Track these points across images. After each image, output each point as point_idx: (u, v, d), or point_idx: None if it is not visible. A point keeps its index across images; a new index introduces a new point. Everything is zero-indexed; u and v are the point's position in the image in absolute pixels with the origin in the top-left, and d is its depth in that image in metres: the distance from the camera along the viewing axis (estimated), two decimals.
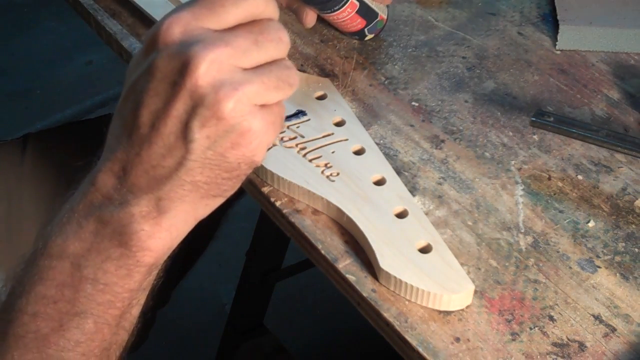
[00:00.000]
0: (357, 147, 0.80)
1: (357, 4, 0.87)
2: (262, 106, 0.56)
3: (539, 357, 0.68)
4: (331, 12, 0.88)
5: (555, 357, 0.68)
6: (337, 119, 0.83)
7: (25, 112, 2.21)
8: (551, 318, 0.70)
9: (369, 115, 0.86)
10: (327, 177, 0.77)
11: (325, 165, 0.78)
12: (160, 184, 0.56)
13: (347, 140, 0.81)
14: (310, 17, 0.89)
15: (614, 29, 0.93)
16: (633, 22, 0.94)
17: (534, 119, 0.81)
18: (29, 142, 1.11)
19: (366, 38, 0.93)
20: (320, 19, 0.91)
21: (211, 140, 0.55)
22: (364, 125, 0.83)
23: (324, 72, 0.90)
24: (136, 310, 0.61)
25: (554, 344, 0.68)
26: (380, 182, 0.77)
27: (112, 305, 0.58)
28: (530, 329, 0.69)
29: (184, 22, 0.55)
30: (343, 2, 0.86)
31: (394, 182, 0.77)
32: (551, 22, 0.97)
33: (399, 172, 0.79)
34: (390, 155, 0.82)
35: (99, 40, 1.00)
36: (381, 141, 0.83)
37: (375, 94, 0.88)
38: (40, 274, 0.58)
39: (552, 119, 0.81)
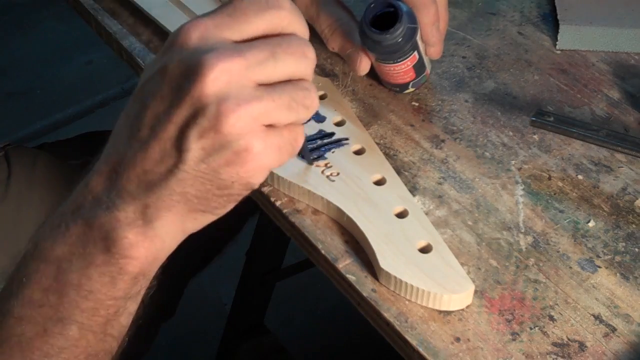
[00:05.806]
0: (357, 147, 0.80)
1: (417, 57, 0.83)
2: (269, 127, 0.54)
3: (539, 357, 0.67)
4: (393, 64, 0.83)
5: (555, 357, 0.68)
6: (337, 119, 0.83)
7: (25, 112, 2.21)
8: (551, 318, 0.70)
9: (369, 115, 0.86)
10: (327, 177, 0.77)
11: (325, 165, 0.78)
12: (149, 190, 0.55)
13: (347, 140, 0.81)
14: (365, 64, 0.85)
15: (614, 28, 0.93)
16: (633, 22, 0.94)
17: (534, 118, 0.81)
18: (44, 149, 1.11)
19: (406, 91, 0.87)
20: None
21: (206, 152, 0.53)
22: (364, 125, 0.83)
23: (324, 72, 0.90)
24: (125, 319, 0.59)
25: (554, 344, 0.68)
26: (380, 182, 0.77)
27: (96, 312, 0.57)
28: (531, 328, 0.69)
29: (203, 28, 0.53)
30: (407, 55, 0.82)
31: (394, 182, 0.77)
32: (551, 21, 0.97)
33: (399, 172, 0.79)
34: (390, 155, 0.82)
35: (99, 40, 1.00)
36: (381, 141, 0.83)
37: (375, 94, 0.88)
38: (28, 276, 0.57)
39: (552, 118, 0.81)
